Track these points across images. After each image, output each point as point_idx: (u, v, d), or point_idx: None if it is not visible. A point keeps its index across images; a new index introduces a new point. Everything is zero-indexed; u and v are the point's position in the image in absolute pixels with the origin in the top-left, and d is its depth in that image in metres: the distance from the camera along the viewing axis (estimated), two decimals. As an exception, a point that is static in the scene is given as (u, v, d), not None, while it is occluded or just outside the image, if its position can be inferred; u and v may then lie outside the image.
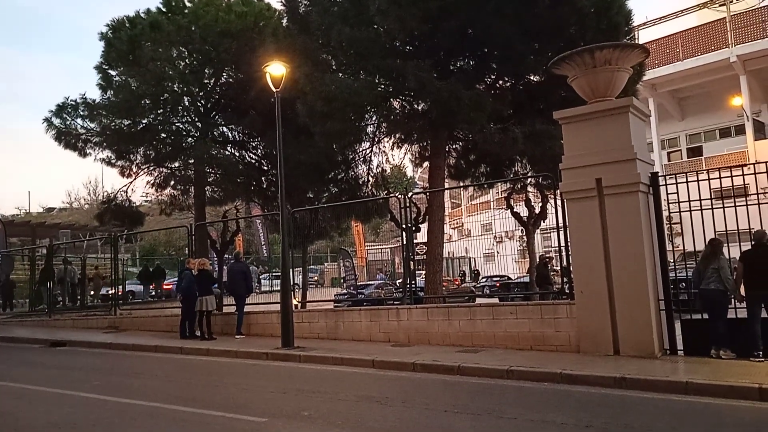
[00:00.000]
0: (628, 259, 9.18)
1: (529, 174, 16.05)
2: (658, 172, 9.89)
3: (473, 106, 12.87)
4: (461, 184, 21.77)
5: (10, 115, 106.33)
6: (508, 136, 13.41)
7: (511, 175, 16.86)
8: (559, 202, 10.83)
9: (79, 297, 22.88)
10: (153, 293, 25.53)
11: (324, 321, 12.99)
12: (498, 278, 26.99)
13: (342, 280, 26.59)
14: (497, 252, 32.82)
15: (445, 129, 15.10)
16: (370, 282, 26.10)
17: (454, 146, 17.39)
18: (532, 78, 15.38)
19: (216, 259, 16.64)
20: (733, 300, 9.07)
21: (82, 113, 20.88)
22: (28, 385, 8.92)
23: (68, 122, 20.81)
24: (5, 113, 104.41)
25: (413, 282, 13.18)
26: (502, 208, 17.92)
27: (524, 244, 21.99)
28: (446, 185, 18.66)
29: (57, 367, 11.02)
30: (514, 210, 15.15)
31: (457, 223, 44.59)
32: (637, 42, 18.28)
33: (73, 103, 20.77)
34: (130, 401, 7.57)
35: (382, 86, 14.74)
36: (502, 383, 8.25)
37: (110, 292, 20.75)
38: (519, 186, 16.61)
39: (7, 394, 8.42)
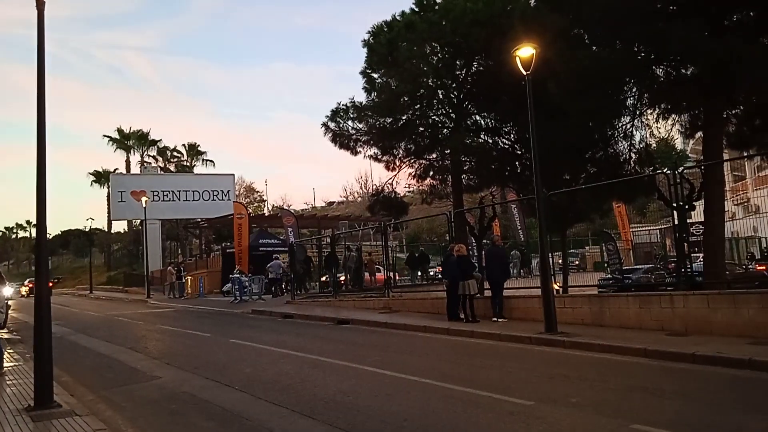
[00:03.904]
0: None
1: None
2: None
3: (758, 62, 11.12)
4: (745, 155, 18.94)
5: (294, 123, 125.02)
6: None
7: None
8: None
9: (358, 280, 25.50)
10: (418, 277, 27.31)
11: (587, 307, 12.53)
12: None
13: (605, 264, 25.20)
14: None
15: (722, 93, 13.28)
16: (638, 266, 24.23)
17: (733, 112, 15.19)
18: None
19: (475, 244, 17.15)
20: None
21: (351, 116, 23.25)
22: (321, 357, 10.37)
23: (341, 125, 23.36)
24: (290, 121, 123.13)
25: (689, 266, 11.97)
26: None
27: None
28: (725, 156, 16.44)
29: (343, 342, 12.56)
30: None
31: (741, 199, 38.85)
32: None
33: (344, 107, 23.23)
34: (404, 376, 8.32)
35: (642, 54, 13.57)
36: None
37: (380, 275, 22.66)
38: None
39: (307, 363, 9.90)
